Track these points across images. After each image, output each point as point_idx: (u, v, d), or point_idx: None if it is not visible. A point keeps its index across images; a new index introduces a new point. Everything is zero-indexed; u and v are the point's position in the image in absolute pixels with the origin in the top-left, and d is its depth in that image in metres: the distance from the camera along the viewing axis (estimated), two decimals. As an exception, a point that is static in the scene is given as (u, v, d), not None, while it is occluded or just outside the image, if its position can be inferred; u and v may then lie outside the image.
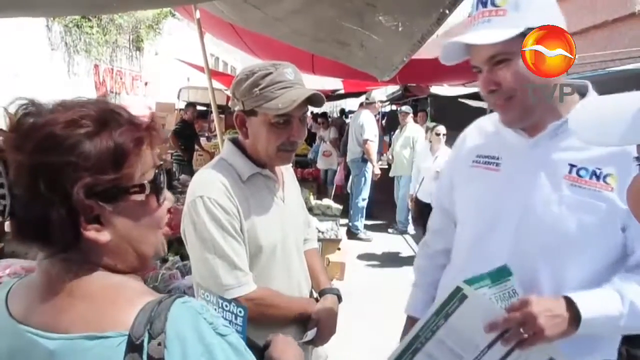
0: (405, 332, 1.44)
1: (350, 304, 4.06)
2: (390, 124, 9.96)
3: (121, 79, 11.51)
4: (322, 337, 1.39)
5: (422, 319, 1.11)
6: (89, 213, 0.64)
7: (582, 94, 1.13)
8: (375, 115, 7.02)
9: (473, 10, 1.11)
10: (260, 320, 1.21)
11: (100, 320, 0.62)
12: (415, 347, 1.10)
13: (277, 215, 1.37)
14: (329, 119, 9.50)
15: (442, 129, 5.05)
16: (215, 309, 1.00)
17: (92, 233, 0.65)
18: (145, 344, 0.60)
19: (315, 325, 1.38)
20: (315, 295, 1.56)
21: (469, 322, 1.05)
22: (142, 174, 0.69)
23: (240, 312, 1.02)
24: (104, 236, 0.66)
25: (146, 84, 12.69)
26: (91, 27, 9.91)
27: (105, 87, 10.73)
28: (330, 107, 33.77)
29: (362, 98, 7.39)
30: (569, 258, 1.08)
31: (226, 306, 1.03)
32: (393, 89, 11.74)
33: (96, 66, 10.39)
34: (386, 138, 8.26)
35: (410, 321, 1.49)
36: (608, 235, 1.04)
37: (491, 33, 1.03)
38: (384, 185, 6.97)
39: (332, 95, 13.16)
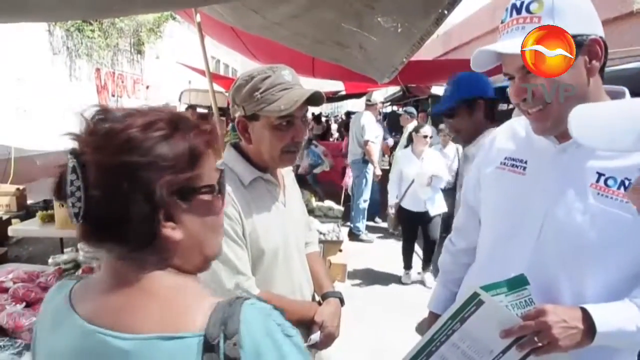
0: (427, 326, 1.44)
1: (352, 306, 4.05)
2: (391, 125, 9.97)
3: (122, 82, 11.52)
4: (326, 340, 1.40)
5: (437, 322, 1.11)
6: (167, 210, 0.66)
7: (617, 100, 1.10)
8: (377, 117, 7.00)
9: (506, 17, 1.08)
10: None
11: (175, 320, 0.64)
12: (429, 349, 1.11)
13: (278, 219, 1.38)
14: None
15: (427, 130, 4.63)
16: None
17: (168, 230, 0.67)
18: (221, 344, 0.62)
19: (318, 329, 1.39)
20: (318, 298, 1.56)
21: (485, 328, 1.05)
22: (210, 175, 0.73)
23: None
24: (177, 234, 0.68)
25: (147, 87, 12.71)
26: (92, 30, 9.94)
27: (107, 91, 10.75)
28: (332, 109, 33.82)
29: (364, 99, 7.38)
30: (590, 268, 1.06)
31: None
32: (394, 89, 11.74)
33: (98, 70, 10.41)
34: (389, 140, 8.23)
35: (432, 317, 1.51)
36: (632, 248, 1.01)
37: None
38: (386, 186, 6.96)
39: (334, 97, 13.18)
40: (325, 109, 30.48)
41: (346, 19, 2.23)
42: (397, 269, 4.86)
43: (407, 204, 4.65)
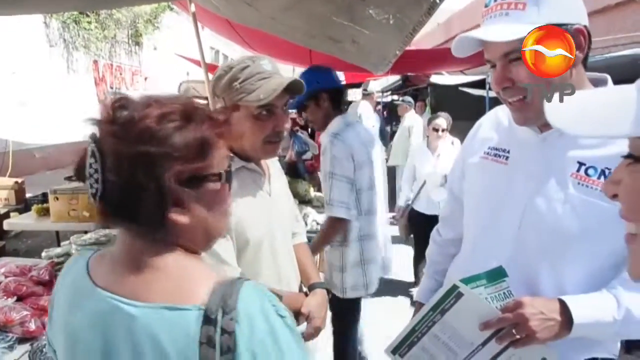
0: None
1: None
2: (390, 115, 9.92)
3: (121, 74, 11.47)
4: (312, 332, 1.42)
5: (419, 313, 1.13)
6: (176, 197, 0.72)
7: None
8: (377, 106, 6.97)
9: (490, 1, 1.06)
10: None
11: (181, 294, 0.70)
12: (412, 340, 1.13)
13: (263, 209, 1.38)
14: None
15: (441, 122, 4.06)
16: None
17: (176, 215, 0.72)
18: (219, 318, 0.67)
19: (305, 320, 1.39)
20: (305, 289, 1.57)
21: (464, 320, 1.07)
22: (219, 164, 0.78)
23: None
24: (184, 219, 0.73)
25: (146, 79, 12.66)
26: (89, 22, 9.87)
27: (105, 83, 10.70)
28: (332, 98, 33.70)
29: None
30: (570, 258, 1.07)
31: None
32: (394, 78, 11.66)
33: (95, 62, 10.36)
34: (388, 128, 8.22)
35: (419, 307, 1.52)
36: (611, 238, 1.00)
37: (507, 29, 0.99)
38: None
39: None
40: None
41: (338, 13, 2.21)
42: (396, 257, 4.82)
43: (420, 206, 4.14)
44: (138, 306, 0.70)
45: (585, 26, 1.02)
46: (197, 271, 0.75)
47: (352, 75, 9.49)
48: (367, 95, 6.44)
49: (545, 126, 1.10)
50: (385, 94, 12.23)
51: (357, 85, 11.34)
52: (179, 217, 0.73)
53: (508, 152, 1.20)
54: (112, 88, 10.94)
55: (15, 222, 3.87)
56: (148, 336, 0.68)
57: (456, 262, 1.40)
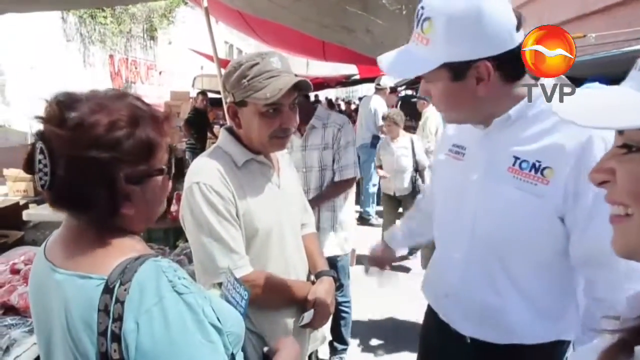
0: (376, 251, 1.69)
1: (361, 288, 4.07)
2: (404, 109, 9.81)
3: (136, 68, 11.60)
4: (319, 319, 1.42)
5: None
6: (124, 194, 0.79)
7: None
8: (397, 102, 6.84)
9: (413, 25, 1.09)
10: (256, 302, 1.22)
11: (93, 264, 0.77)
12: None
13: (272, 200, 1.39)
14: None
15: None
16: (229, 289, 1.07)
17: (124, 209, 0.80)
18: (116, 288, 0.72)
19: (311, 307, 1.40)
20: (312, 279, 1.58)
21: None
22: (162, 159, 0.85)
23: (245, 295, 1.07)
24: (131, 210, 0.81)
25: (160, 73, 12.77)
26: (105, 17, 9.98)
27: (121, 77, 10.84)
28: (347, 93, 33.57)
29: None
30: (515, 250, 1.11)
31: (237, 288, 1.07)
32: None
33: (111, 56, 10.49)
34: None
35: (384, 245, 1.69)
36: (546, 228, 1.05)
37: (409, 65, 1.07)
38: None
39: (346, 82, 13.05)
40: (339, 93, 30.28)
41: (351, 1, 2.20)
42: (408, 251, 4.85)
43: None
44: (62, 273, 0.78)
45: (491, 57, 1.00)
46: (119, 247, 0.80)
47: (366, 69, 9.47)
48: (380, 89, 6.37)
49: (488, 121, 1.13)
50: (399, 88, 12.15)
51: (371, 80, 11.29)
52: (127, 211, 0.80)
53: (464, 148, 1.25)
54: (127, 82, 11.07)
55: (34, 213, 3.93)
56: (63, 300, 0.76)
57: (432, 259, 1.45)
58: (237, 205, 1.30)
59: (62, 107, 0.76)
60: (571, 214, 1.01)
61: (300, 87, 1.30)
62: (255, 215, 1.33)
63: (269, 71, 1.27)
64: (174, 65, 13.07)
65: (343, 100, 25.72)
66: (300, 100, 1.44)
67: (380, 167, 4.62)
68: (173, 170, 0.90)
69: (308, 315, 1.38)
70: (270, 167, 1.43)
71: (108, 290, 0.72)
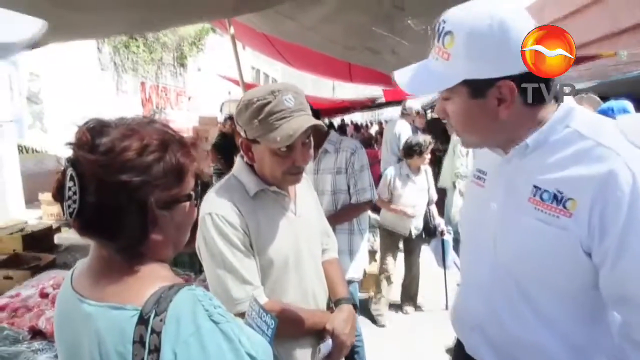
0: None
1: (383, 318, 3.95)
2: (432, 132, 9.73)
3: (166, 95, 11.95)
4: (338, 350, 1.33)
5: None
6: (154, 219, 0.78)
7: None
8: (419, 124, 6.75)
9: (433, 41, 1.04)
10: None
11: (125, 295, 0.75)
12: None
13: (288, 229, 1.35)
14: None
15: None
16: (253, 317, 1.06)
17: (154, 235, 0.79)
18: (151, 319, 0.70)
19: (330, 337, 1.33)
20: (332, 305, 1.51)
21: None
22: (189, 185, 0.85)
23: (271, 323, 1.05)
24: (160, 237, 0.81)
25: (190, 98, 13.12)
26: (137, 46, 10.39)
27: (152, 104, 11.18)
28: (372, 116, 33.69)
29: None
30: (536, 282, 1.03)
31: (263, 316, 1.05)
32: (433, 96, 11.53)
33: (142, 84, 10.85)
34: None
35: None
36: (570, 260, 0.96)
37: (428, 81, 1.03)
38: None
39: (372, 105, 13.09)
40: (365, 116, 30.42)
41: (377, 23, 2.20)
42: (434, 276, 4.68)
43: None
44: (92, 305, 0.76)
45: (513, 76, 0.95)
46: (150, 276, 0.79)
47: (391, 92, 9.47)
48: (406, 114, 6.32)
49: (508, 147, 1.07)
50: (426, 111, 12.08)
51: (397, 104, 11.27)
52: (156, 236, 0.80)
53: (485, 174, 1.19)
54: (157, 108, 11.41)
55: (65, 237, 4.03)
56: (95, 332, 0.74)
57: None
58: (250, 235, 1.27)
59: (93, 133, 0.76)
60: (598, 249, 0.92)
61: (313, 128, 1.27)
62: (269, 245, 1.29)
63: (281, 111, 1.23)
64: (203, 91, 13.42)
65: (371, 122, 25.83)
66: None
67: (389, 201, 3.79)
68: (199, 196, 0.89)
69: (325, 347, 1.30)
70: (285, 196, 1.39)
71: (143, 321, 0.71)
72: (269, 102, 1.23)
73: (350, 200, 2.47)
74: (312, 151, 1.35)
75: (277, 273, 1.32)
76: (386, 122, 13.92)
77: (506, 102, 0.98)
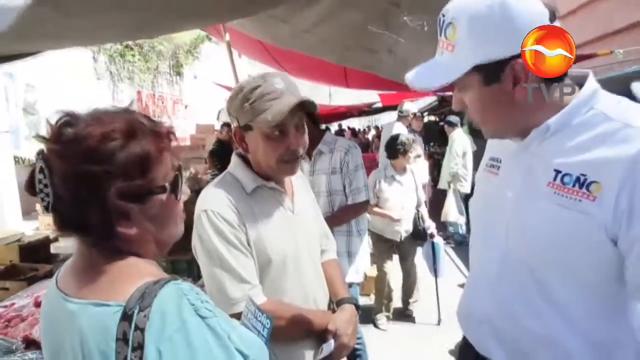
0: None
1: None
2: (429, 135, 9.76)
3: (163, 103, 11.95)
4: (339, 350, 1.31)
5: None
6: (120, 212, 0.75)
7: (581, 84, 1.00)
8: (416, 128, 6.76)
9: (438, 34, 1.03)
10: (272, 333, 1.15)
11: (109, 291, 0.73)
12: None
13: (286, 227, 1.33)
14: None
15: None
16: (249, 317, 1.04)
17: (123, 228, 0.76)
18: (135, 314, 0.68)
19: (331, 337, 1.30)
20: (333, 306, 1.48)
21: None
22: (164, 176, 0.80)
23: (267, 323, 1.03)
24: (132, 230, 0.77)
25: (186, 107, 13.11)
26: (133, 55, 10.39)
27: (148, 112, 11.16)
28: (369, 121, 33.75)
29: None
30: (554, 271, 0.99)
31: (258, 316, 1.03)
32: (430, 99, 11.55)
33: (139, 92, 10.85)
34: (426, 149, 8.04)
35: None
36: (592, 249, 0.91)
37: (435, 74, 1.01)
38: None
39: (369, 110, 13.07)
40: (362, 122, 30.47)
41: (372, 20, 2.18)
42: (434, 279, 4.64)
43: None
44: (75, 302, 0.74)
45: (518, 55, 0.92)
46: (135, 273, 0.77)
47: (388, 97, 9.47)
48: (403, 117, 6.34)
49: (525, 133, 1.04)
50: (423, 115, 12.10)
51: (393, 108, 11.28)
52: (127, 230, 0.76)
53: (500, 161, 1.17)
54: (154, 116, 11.39)
55: (62, 246, 4.01)
56: (78, 330, 0.72)
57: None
58: (247, 233, 1.24)
59: (62, 124, 0.75)
60: (626, 235, 0.87)
61: (305, 106, 1.25)
62: (267, 243, 1.27)
63: (271, 92, 1.23)
64: (199, 99, 13.42)
65: (368, 127, 25.92)
66: (309, 126, 1.41)
67: (377, 205, 3.69)
68: (181, 190, 0.86)
69: (327, 347, 1.28)
70: (283, 193, 1.37)
71: (126, 317, 0.69)
72: (259, 85, 1.24)
73: (347, 202, 2.45)
74: (306, 137, 1.33)
75: (276, 272, 1.29)
76: (382, 126, 13.96)
77: (521, 81, 0.95)
